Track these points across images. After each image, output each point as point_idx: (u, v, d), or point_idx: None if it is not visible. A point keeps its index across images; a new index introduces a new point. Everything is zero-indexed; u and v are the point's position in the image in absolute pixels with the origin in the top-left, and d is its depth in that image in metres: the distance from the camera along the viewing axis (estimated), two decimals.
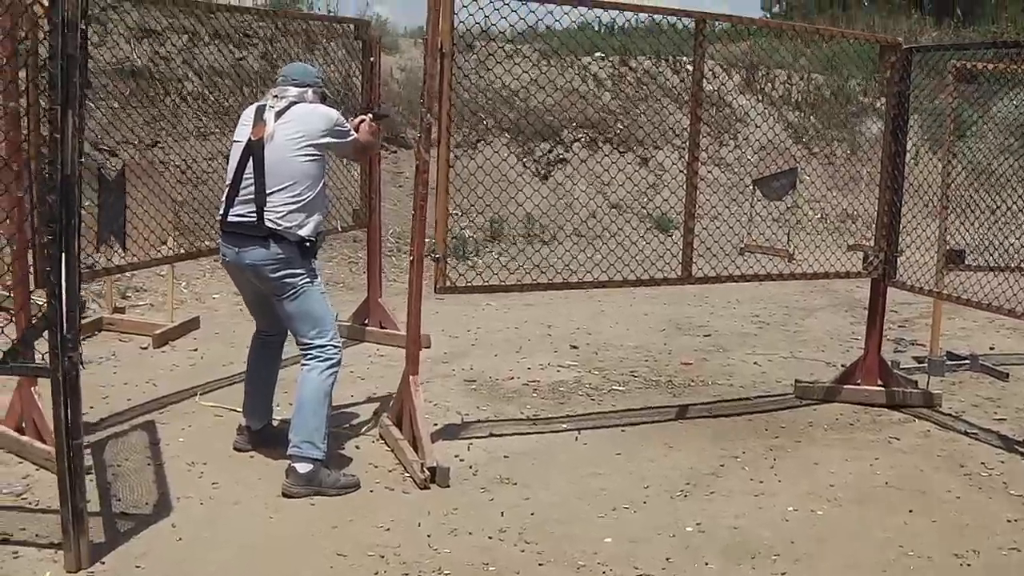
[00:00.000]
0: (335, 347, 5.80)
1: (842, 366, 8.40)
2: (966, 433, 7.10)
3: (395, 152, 14.56)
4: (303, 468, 5.59)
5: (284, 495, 5.54)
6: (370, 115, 6.37)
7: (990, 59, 8.10)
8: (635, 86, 16.89)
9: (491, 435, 6.73)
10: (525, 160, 15.25)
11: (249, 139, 5.67)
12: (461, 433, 6.74)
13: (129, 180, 7.57)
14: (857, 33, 7.30)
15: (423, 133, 6.13)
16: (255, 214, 5.57)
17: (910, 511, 5.66)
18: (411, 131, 13.96)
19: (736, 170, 15.05)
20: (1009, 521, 5.57)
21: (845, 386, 7.76)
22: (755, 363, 8.99)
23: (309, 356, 5.77)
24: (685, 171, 7.04)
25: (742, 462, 6.42)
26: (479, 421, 7.02)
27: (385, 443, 6.43)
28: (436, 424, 6.78)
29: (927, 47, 7.52)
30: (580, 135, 15.90)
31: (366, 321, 9.29)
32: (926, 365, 8.56)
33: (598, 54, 16.43)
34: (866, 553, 5.12)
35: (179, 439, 6.41)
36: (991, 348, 9.74)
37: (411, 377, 6.23)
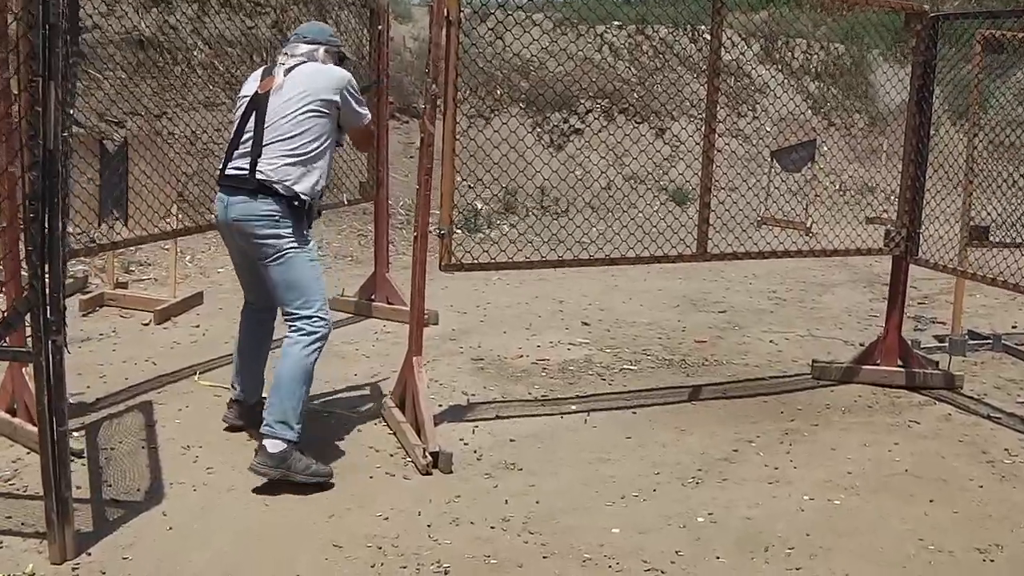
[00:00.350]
0: (322, 319, 5.47)
1: (860, 345, 8.20)
2: (988, 417, 6.87)
3: (407, 122, 14.31)
4: (274, 448, 5.25)
5: (252, 471, 5.25)
6: None
7: (1016, 28, 7.82)
8: (651, 55, 16.62)
9: (497, 417, 6.52)
10: (538, 131, 15.02)
11: (255, 92, 5.45)
12: (466, 415, 6.53)
13: (132, 152, 7.41)
14: (882, 1, 7.01)
15: (428, 104, 5.90)
16: (249, 166, 5.33)
17: (931, 501, 5.44)
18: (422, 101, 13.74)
19: (754, 142, 14.78)
20: None
21: (864, 366, 7.53)
22: (771, 341, 8.78)
23: (293, 328, 5.45)
24: (702, 143, 6.80)
25: (756, 447, 6.20)
26: (485, 402, 6.81)
27: (387, 425, 6.23)
28: (441, 405, 6.58)
29: (955, 15, 7.25)
30: (595, 105, 15.65)
31: (373, 296, 9.09)
32: (947, 345, 8.35)
33: (615, 23, 16.16)
34: (885, 547, 4.89)
35: (175, 420, 6.23)
36: (1013, 326, 9.51)
37: (414, 358, 6.01)
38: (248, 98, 5.47)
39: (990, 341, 8.64)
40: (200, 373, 7.11)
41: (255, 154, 5.31)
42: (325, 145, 5.45)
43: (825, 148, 13.26)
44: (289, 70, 5.45)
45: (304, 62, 5.49)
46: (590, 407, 6.79)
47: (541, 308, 9.63)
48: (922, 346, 8.34)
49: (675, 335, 8.86)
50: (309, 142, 5.35)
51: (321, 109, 5.38)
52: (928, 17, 7.01)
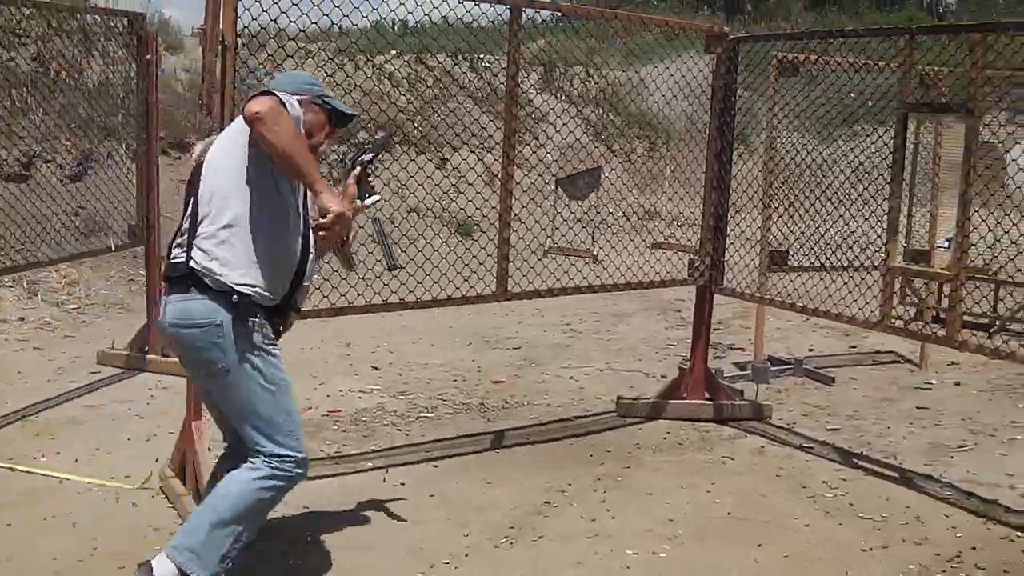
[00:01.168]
0: (293, 460, 4.12)
1: (662, 377, 7.99)
2: (801, 448, 6.69)
3: (179, 158, 13.53)
4: (161, 569, 4.01)
5: None
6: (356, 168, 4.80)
7: (801, 51, 7.73)
8: (431, 85, 16.28)
9: None
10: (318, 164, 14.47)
11: (198, 161, 4.22)
12: None
13: None
14: (683, 22, 6.84)
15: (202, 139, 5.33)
16: (185, 252, 4.06)
17: (759, 545, 5.15)
18: (194, 136, 12.99)
19: (539, 171, 14.58)
20: (863, 550, 5.12)
21: (670, 401, 7.28)
22: (571, 378, 8.45)
23: (259, 458, 4.11)
24: (492, 174, 6.44)
25: (570, 497, 5.80)
26: None
27: (167, 498, 5.57)
28: None
29: (755, 37, 7.10)
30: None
31: (146, 348, 8.34)
32: (750, 372, 8.19)
33: (394, 52, 15.76)
34: None
35: None
36: (811, 349, 9.48)
37: (193, 423, 5.36)
38: (199, 163, 4.21)
39: (791, 366, 8.53)
40: None
41: (191, 236, 4.06)
42: (266, 217, 4.07)
43: (608, 175, 13.14)
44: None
45: None
46: (388, 462, 6.28)
47: (327, 352, 9.10)
48: (724, 375, 8.14)
49: (471, 376, 8.45)
50: (244, 214, 4.02)
51: (238, 150, 4.07)
52: (728, 40, 6.82)
